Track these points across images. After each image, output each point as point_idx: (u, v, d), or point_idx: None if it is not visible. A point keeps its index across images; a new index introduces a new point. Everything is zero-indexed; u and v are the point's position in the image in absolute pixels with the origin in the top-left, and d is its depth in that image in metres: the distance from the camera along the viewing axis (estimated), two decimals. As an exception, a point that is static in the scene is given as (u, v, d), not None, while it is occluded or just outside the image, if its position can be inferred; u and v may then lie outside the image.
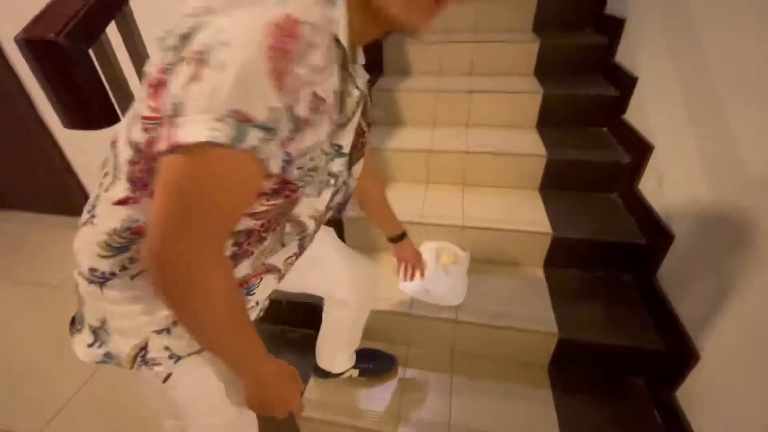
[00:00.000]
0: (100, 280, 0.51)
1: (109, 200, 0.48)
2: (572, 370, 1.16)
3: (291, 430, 1.08)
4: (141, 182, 0.46)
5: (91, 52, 0.60)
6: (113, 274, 0.50)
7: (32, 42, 0.55)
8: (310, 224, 0.59)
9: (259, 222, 0.50)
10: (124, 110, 0.69)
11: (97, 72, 0.61)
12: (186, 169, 0.36)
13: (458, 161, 1.48)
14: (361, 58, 0.54)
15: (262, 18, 0.34)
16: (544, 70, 1.68)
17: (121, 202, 0.47)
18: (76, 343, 0.56)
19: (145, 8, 0.77)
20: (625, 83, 1.43)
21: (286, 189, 0.47)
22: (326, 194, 0.55)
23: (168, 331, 0.54)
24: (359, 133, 0.58)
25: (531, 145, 1.47)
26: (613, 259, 1.26)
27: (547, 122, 1.57)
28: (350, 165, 0.59)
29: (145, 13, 0.78)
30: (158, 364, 0.54)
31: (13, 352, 1.51)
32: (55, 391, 1.32)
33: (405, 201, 1.41)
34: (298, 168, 0.44)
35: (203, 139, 0.34)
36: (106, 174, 0.50)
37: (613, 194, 1.41)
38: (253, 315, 0.64)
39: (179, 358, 0.55)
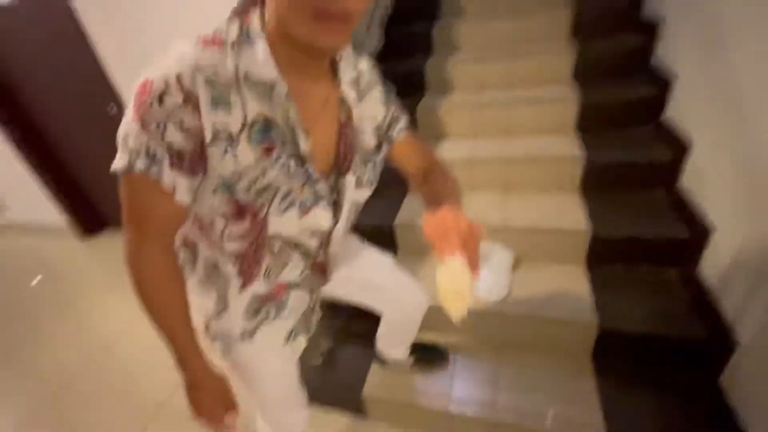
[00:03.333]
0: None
1: None
2: (615, 359, 1.22)
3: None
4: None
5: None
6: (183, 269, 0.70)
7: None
8: (307, 240, 0.67)
9: (244, 244, 0.63)
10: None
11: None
12: (122, 185, 0.55)
13: (499, 168, 1.60)
14: (348, 71, 0.64)
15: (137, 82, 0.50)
16: (582, 75, 1.75)
17: None
18: None
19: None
20: (664, 83, 1.46)
21: (246, 212, 0.58)
22: (319, 214, 0.63)
23: (215, 318, 0.72)
24: (345, 148, 0.64)
25: (570, 148, 1.55)
26: (655, 254, 1.30)
27: (588, 125, 1.64)
28: (336, 180, 0.65)
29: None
30: (217, 340, 0.74)
31: (129, 353, 1.88)
32: (161, 386, 1.65)
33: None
34: (245, 191, 0.55)
35: (116, 167, 0.52)
36: None
37: (656, 192, 1.45)
38: (290, 324, 0.79)
39: (228, 344, 0.74)
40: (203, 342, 0.69)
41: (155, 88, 0.48)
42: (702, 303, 1.15)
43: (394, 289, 1.02)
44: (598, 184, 1.50)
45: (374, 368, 1.37)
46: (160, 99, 0.48)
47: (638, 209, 1.39)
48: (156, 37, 1.77)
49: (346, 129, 0.65)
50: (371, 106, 0.70)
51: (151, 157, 0.51)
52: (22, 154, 2.62)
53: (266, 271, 0.68)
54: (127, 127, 0.51)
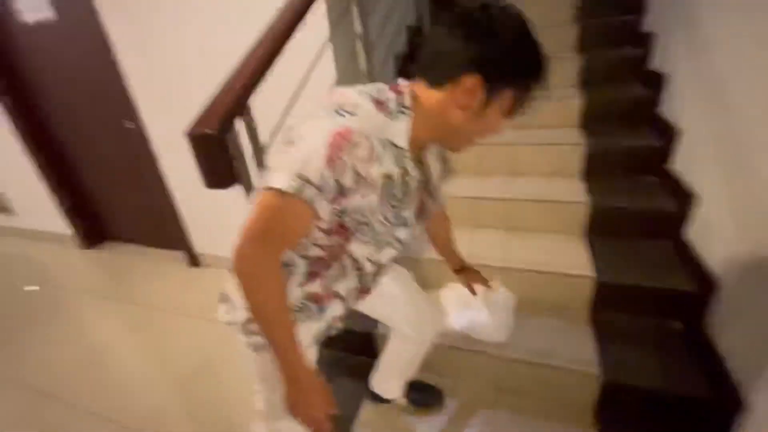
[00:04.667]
0: None
1: None
2: (619, 413, 1.17)
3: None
4: None
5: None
6: None
7: (195, 136, 0.84)
8: (368, 266, 0.80)
9: (325, 252, 0.73)
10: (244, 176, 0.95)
11: (229, 152, 0.89)
12: (271, 201, 0.60)
13: (503, 207, 1.61)
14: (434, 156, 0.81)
15: (331, 126, 0.59)
16: (589, 122, 1.79)
17: None
18: (220, 308, 0.82)
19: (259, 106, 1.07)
20: (669, 135, 1.49)
21: (342, 231, 0.70)
22: (387, 252, 0.80)
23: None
24: (421, 204, 0.81)
25: (574, 193, 1.56)
26: (660, 305, 1.28)
27: (594, 171, 1.66)
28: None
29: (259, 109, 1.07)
30: (255, 334, 0.76)
31: (129, 364, 1.84)
32: (153, 393, 1.60)
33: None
34: (351, 219, 0.67)
35: (281, 186, 0.58)
36: None
37: (662, 241, 1.44)
38: (320, 327, 0.83)
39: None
40: (239, 336, 0.78)
41: (354, 139, 0.58)
42: (707, 360, 1.11)
43: (407, 301, 1.05)
44: (603, 231, 1.49)
45: (367, 405, 1.32)
46: (353, 149, 0.58)
47: (643, 258, 1.38)
48: (181, 61, 1.85)
49: (425, 191, 0.80)
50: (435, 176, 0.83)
51: (321, 190, 0.59)
52: (35, 162, 2.68)
53: (330, 276, 0.77)
54: (308, 158, 0.58)
